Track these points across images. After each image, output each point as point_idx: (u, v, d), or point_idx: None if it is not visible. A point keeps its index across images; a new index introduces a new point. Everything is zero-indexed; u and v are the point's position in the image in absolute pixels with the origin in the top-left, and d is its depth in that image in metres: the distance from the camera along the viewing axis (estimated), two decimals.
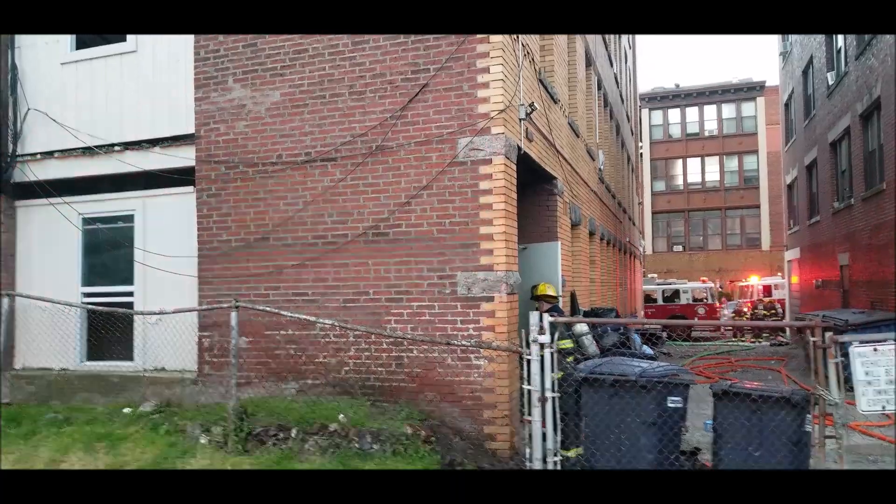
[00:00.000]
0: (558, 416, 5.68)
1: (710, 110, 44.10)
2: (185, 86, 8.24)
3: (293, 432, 6.38)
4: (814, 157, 20.59)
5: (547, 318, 5.67)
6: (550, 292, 8.09)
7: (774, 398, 5.28)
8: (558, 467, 5.62)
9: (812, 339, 4.85)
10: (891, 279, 13.45)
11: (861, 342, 4.78)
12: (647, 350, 11.96)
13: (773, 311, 30.00)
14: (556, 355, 5.65)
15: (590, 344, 6.91)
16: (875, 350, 4.66)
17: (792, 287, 26.46)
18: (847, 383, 4.76)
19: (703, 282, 32.08)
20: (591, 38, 14.36)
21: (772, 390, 5.43)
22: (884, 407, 4.65)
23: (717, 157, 43.52)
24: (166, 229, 8.47)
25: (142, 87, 8.58)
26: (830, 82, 17.90)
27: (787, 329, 22.72)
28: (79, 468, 6.29)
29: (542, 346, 5.59)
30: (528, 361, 5.65)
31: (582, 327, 6.93)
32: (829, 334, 4.86)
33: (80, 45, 9.10)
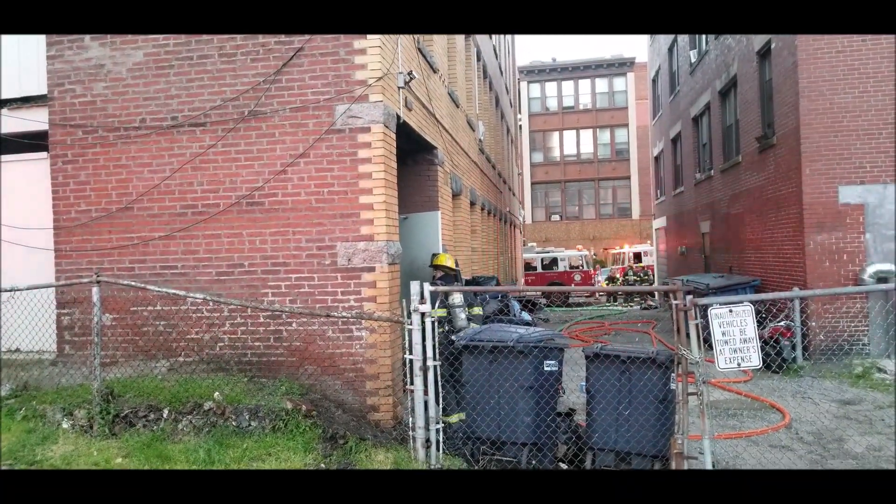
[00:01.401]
0: (440, 383, 5.79)
1: (584, 84, 45.90)
2: (36, 42, 7.51)
3: (165, 412, 6.12)
4: (678, 131, 21.98)
5: (428, 287, 5.73)
6: (449, 264, 8.20)
7: (642, 359, 5.62)
8: (440, 435, 5.74)
9: (675, 302, 5.07)
10: (746, 245, 14.74)
11: (719, 304, 5.13)
12: (526, 316, 12.47)
13: (644, 277, 32.06)
14: (435, 324, 5.74)
15: (460, 314, 7.06)
16: (731, 311, 5.01)
17: (660, 253, 28.33)
18: (706, 343, 5.06)
19: (579, 250, 33.67)
20: None
21: (639, 351, 5.75)
22: (739, 364, 5.02)
23: (591, 130, 45.54)
24: (18, 198, 7.77)
25: None
26: (693, 60, 19.10)
27: (656, 293, 24.28)
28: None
29: (423, 315, 5.66)
30: (410, 331, 5.71)
31: (456, 299, 7.06)
32: (689, 297, 5.10)
33: None
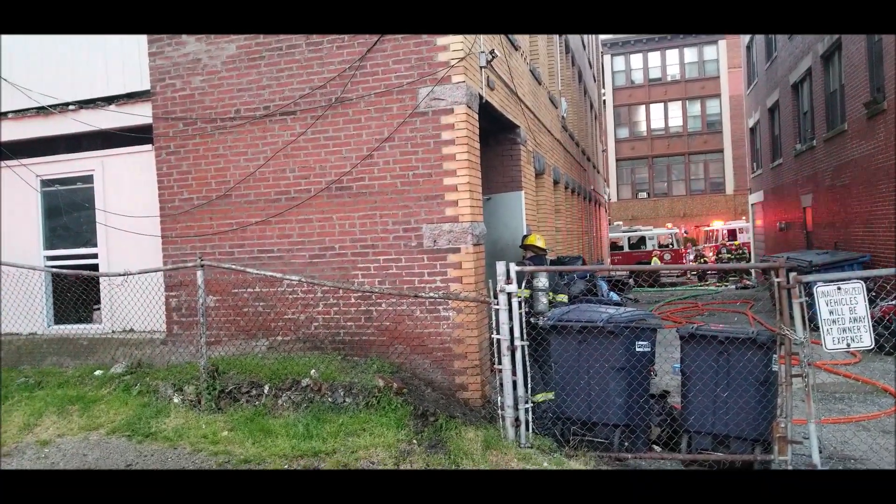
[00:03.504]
0: (528, 363, 5.77)
1: (672, 55, 44.03)
2: (138, 40, 7.99)
3: (266, 389, 6.44)
4: (776, 100, 20.81)
5: (514, 267, 5.71)
6: (539, 244, 8.21)
7: (741, 339, 5.39)
8: (529, 415, 5.72)
9: (777, 280, 4.86)
10: (853, 219, 13.85)
11: (825, 282, 4.88)
12: (614, 297, 12.22)
13: (739, 255, 30.69)
14: (522, 304, 5.73)
15: (541, 298, 7.01)
16: (839, 289, 4.76)
17: (756, 230, 27.04)
18: (812, 323, 4.83)
19: (669, 227, 32.59)
20: None
21: (738, 331, 5.52)
22: (848, 344, 4.75)
23: (679, 103, 43.69)
24: (127, 189, 8.32)
25: (94, 43, 8.26)
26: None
27: (753, 271, 23.22)
28: (53, 431, 6.30)
29: (509, 295, 5.65)
30: (497, 311, 5.70)
31: (541, 283, 7.02)
32: (793, 275, 4.89)
33: None
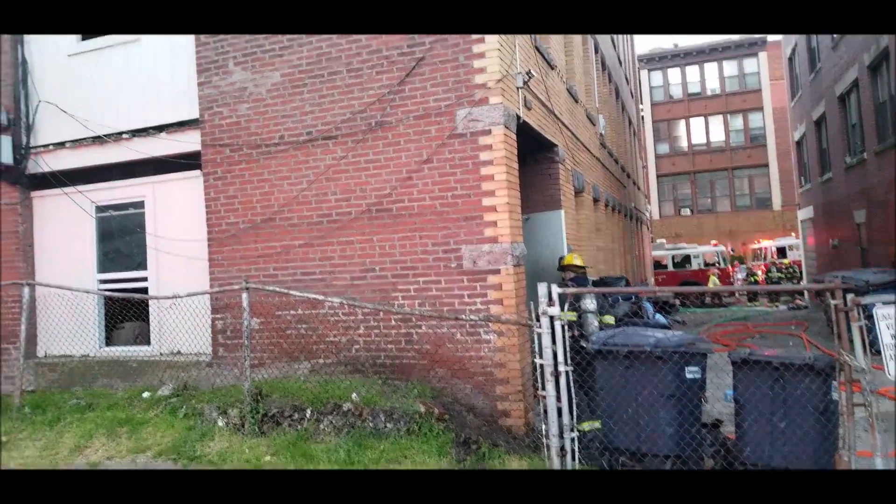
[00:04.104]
0: (573, 389, 5.57)
1: (710, 68, 43.40)
2: (187, 71, 8.29)
3: (308, 413, 6.47)
4: (822, 112, 20.29)
5: (556, 289, 5.52)
6: (577, 262, 8.04)
7: (797, 365, 5.13)
8: (575, 444, 5.52)
9: (833, 301, 4.59)
10: None
11: (884, 303, 4.63)
12: (661, 319, 11.90)
13: (789, 273, 29.70)
14: (566, 327, 5.54)
15: (591, 321, 6.85)
16: None
17: (807, 247, 26.23)
18: (873, 347, 4.60)
19: (714, 245, 31.83)
20: None
21: (794, 357, 5.26)
22: None
23: (720, 116, 42.91)
24: (176, 214, 8.56)
25: (146, 74, 8.61)
26: (835, 34, 17.56)
27: (806, 292, 22.38)
28: (102, 453, 6.45)
29: (552, 318, 5.47)
30: (539, 335, 5.53)
31: (589, 304, 6.87)
32: (850, 296, 4.64)
33: (86, 36, 9.13)
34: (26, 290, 8.16)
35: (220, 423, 6.71)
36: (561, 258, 8.38)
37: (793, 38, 24.01)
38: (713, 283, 27.05)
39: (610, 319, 7.30)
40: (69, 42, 9.12)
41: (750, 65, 42.58)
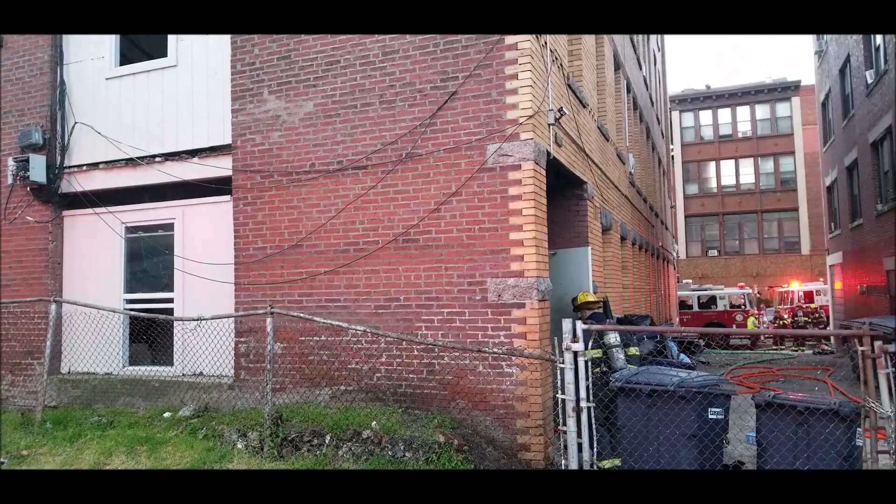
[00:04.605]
0: (594, 426, 5.59)
1: (742, 111, 43.37)
2: (222, 98, 8.47)
3: (327, 438, 6.46)
4: (854, 158, 20.10)
5: (580, 326, 5.60)
6: (590, 298, 7.86)
7: (822, 410, 5.12)
8: None
9: (861, 348, 4.63)
10: None
11: None
12: (685, 359, 11.76)
13: (816, 318, 29.22)
14: (589, 364, 5.59)
15: (618, 355, 6.80)
16: None
17: (835, 293, 25.77)
18: None
19: (741, 287, 31.42)
20: (619, 41, 14.29)
21: (819, 402, 5.27)
22: None
23: (751, 159, 42.73)
24: (204, 237, 8.68)
25: (182, 99, 8.82)
26: (869, 80, 17.48)
27: (832, 337, 22.07)
28: (122, 470, 6.47)
29: (575, 354, 5.53)
30: (562, 370, 5.58)
31: (613, 339, 6.83)
32: (878, 343, 4.66)
33: (124, 60, 9.44)
34: (53, 306, 8.31)
35: (240, 445, 6.71)
36: (574, 299, 8.06)
37: (827, 84, 23.93)
38: (752, 324, 26.60)
39: (635, 351, 7.23)
40: (107, 66, 9.40)
41: (782, 109, 42.49)
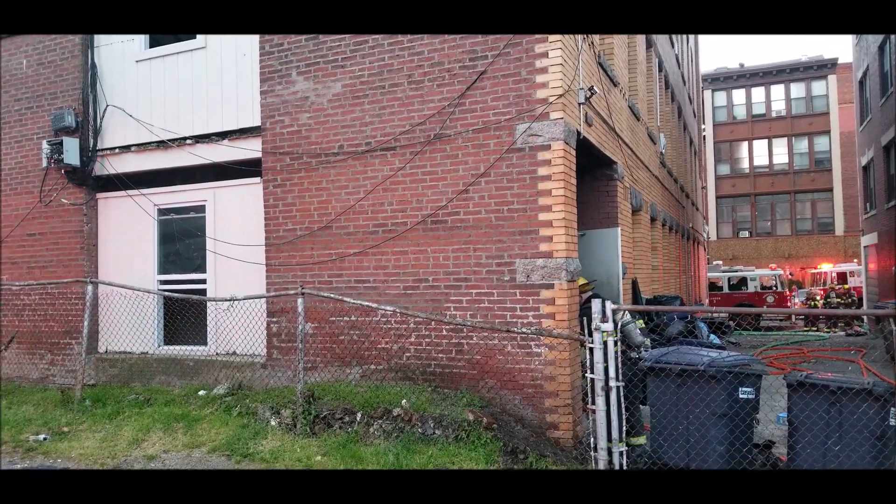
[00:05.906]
0: (623, 405, 5.61)
1: (777, 90, 42.30)
2: (251, 79, 8.51)
3: (358, 416, 6.56)
4: (892, 137, 19.55)
5: (610, 306, 5.58)
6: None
7: (855, 390, 5.14)
8: (623, 458, 5.56)
9: (894, 328, 4.60)
10: None
11: None
12: (715, 339, 11.66)
13: (848, 300, 28.70)
14: (618, 343, 5.59)
15: (634, 331, 6.79)
16: None
17: (869, 273, 25.24)
18: None
19: (772, 268, 30.92)
20: None
21: (851, 381, 5.27)
22: None
23: (785, 139, 41.75)
24: (235, 219, 8.79)
25: (211, 81, 8.89)
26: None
27: (865, 318, 21.68)
28: (159, 447, 6.64)
29: (604, 333, 5.54)
30: (591, 350, 5.59)
31: (624, 317, 6.79)
32: None
33: (154, 43, 9.52)
34: (90, 287, 8.50)
35: (273, 422, 6.84)
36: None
37: (865, 61, 23.25)
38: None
39: (641, 323, 7.22)
40: (137, 48, 9.48)
41: (818, 87, 41.38)
